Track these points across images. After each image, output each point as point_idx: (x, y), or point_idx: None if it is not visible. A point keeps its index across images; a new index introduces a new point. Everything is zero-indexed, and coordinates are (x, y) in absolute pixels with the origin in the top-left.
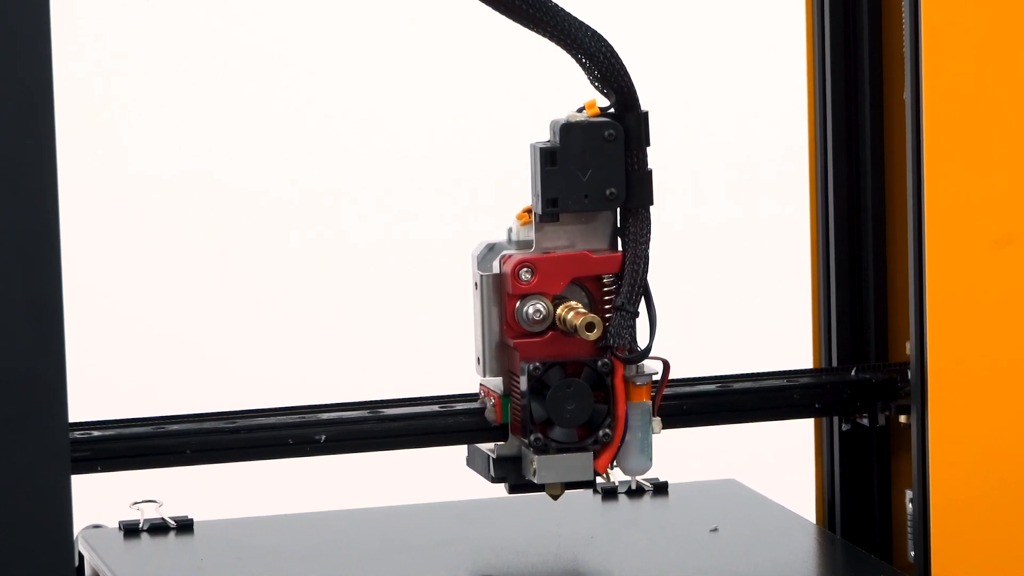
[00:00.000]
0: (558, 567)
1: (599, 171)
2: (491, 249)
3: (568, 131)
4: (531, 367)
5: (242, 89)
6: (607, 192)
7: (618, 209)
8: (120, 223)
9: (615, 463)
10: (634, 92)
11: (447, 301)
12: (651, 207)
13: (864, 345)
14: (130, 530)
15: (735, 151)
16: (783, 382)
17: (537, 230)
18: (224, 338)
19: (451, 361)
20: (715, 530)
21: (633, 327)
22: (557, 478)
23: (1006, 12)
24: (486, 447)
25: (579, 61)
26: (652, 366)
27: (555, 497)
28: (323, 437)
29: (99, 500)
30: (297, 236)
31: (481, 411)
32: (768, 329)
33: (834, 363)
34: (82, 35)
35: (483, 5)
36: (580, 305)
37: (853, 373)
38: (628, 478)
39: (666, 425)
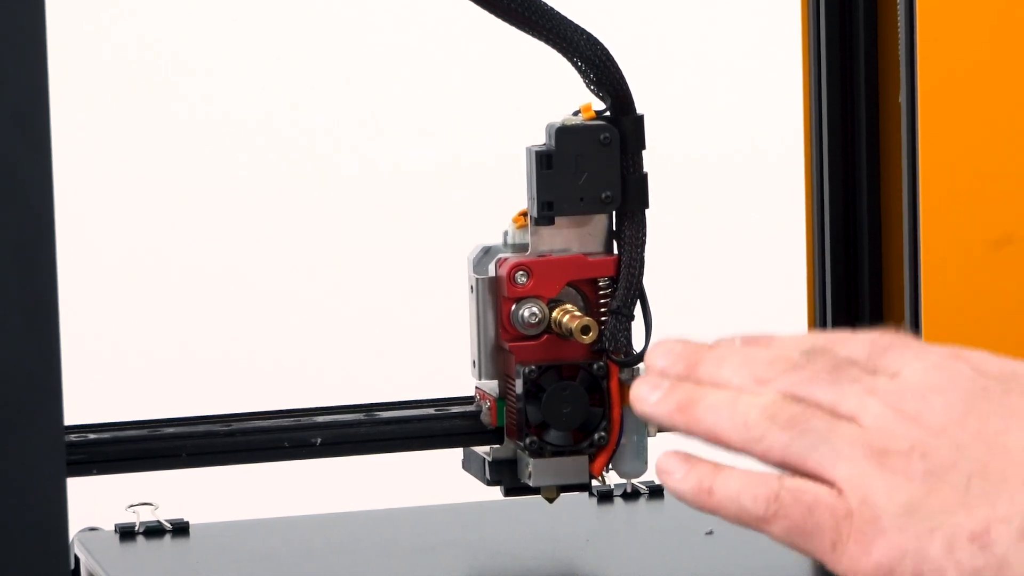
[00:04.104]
0: (554, 570)
1: (595, 174)
2: (486, 252)
3: (563, 134)
4: (526, 370)
5: (238, 91)
6: (603, 195)
7: (614, 212)
8: (114, 225)
9: (610, 466)
10: (630, 95)
11: (442, 304)
12: (647, 210)
13: None
14: (126, 533)
15: (730, 154)
16: None
17: (532, 233)
18: (219, 341)
19: (446, 364)
20: (710, 533)
21: (629, 330)
22: (552, 481)
23: (1002, 15)
24: (482, 450)
25: (574, 64)
26: None
27: (551, 500)
28: (318, 440)
29: (95, 503)
30: (292, 239)
31: (477, 414)
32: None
33: None
34: (80, 34)
35: (477, 8)
36: (576, 308)
37: None
38: (624, 481)
39: (662, 428)
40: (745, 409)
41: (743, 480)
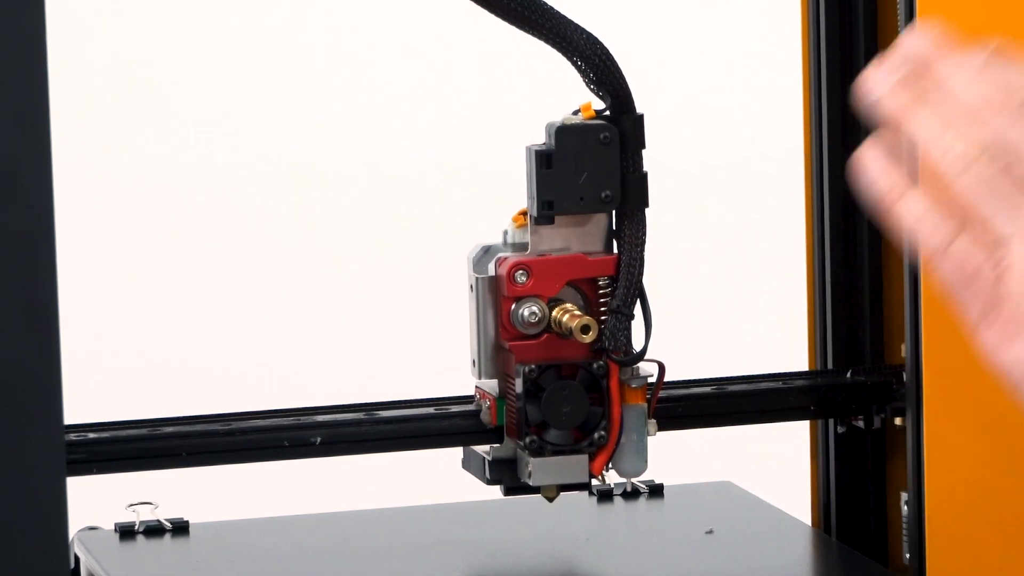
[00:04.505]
0: (554, 569)
1: (594, 174)
2: (486, 252)
3: (563, 134)
4: (526, 370)
5: (238, 91)
6: (602, 195)
7: (613, 212)
8: (114, 224)
9: (610, 465)
10: (629, 95)
11: (442, 304)
12: (646, 209)
13: (859, 347)
14: (126, 532)
15: (730, 153)
16: (778, 384)
17: (532, 233)
18: (219, 340)
19: (446, 364)
20: (710, 532)
21: (628, 329)
22: (552, 480)
23: (1002, 13)
24: (481, 449)
25: (574, 64)
26: (647, 368)
27: (550, 499)
28: (318, 439)
29: (95, 502)
30: (292, 238)
31: (476, 413)
32: (763, 331)
33: (829, 366)
34: (81, 33)
35: (477, 7)
36: (575, 307)
37: (848, 375)
38: (623, 480)
39: (661, 427)
40: (951, 143)
41: (925, 213)
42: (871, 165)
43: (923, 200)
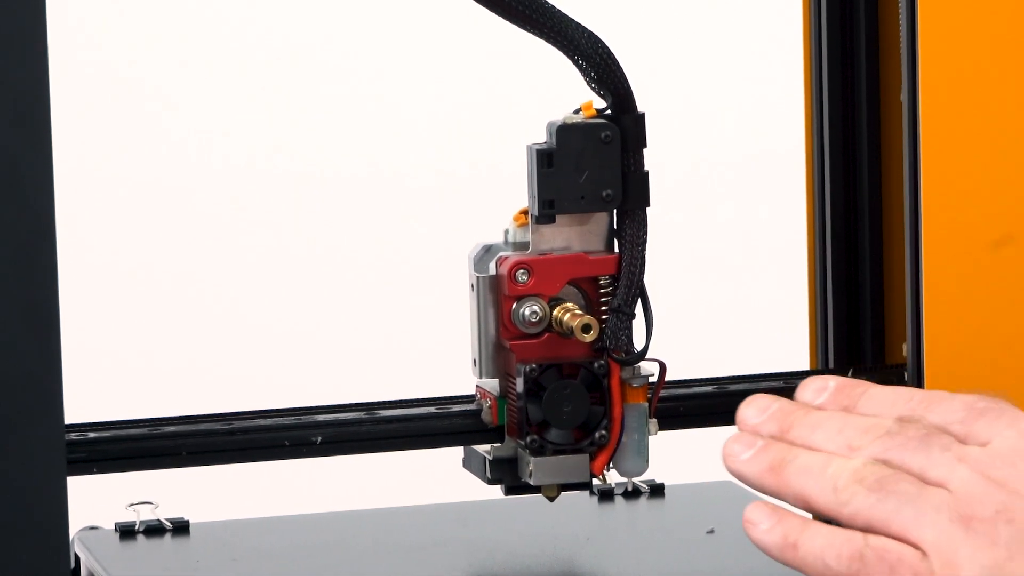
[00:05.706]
0: (554, 568)
1: (596, 173)
2: (487, 251)
3: (564, 133)
4: (527, 369)
5: (233, 90)
6: (603, 194)
7: (615, 211)
8: (115, 224)
9: (611, 465)
10: (630, 94)
11: (443, 303)
12: (648, 208)
13: (860, 347)
14: (126, 532)
15: (731, 153)
16: (780, 384)
17: (533, 232)
18: (220, 340)
19: (447, 363)
20: (711, 532)
21: (629, 329)
22: (553, 480)
23: (1004, 13)
24: (482, 449)
25: (575, 62)
26: (648, 368)
27: (551, 499)
28: (319, 439)
29: (95, 502)
30: (293, 238)
31: (477, 413)
32: (765, 331)
33: (831, 365)
34: (81, 33)
35: (479, 6)
36: (576, 307)
37: (849, 375)
38: (624, 480)
39: (662, 427)
40: (835, 473)
41: (828, 537)
42: (759, 524)
43: (821, 529)
